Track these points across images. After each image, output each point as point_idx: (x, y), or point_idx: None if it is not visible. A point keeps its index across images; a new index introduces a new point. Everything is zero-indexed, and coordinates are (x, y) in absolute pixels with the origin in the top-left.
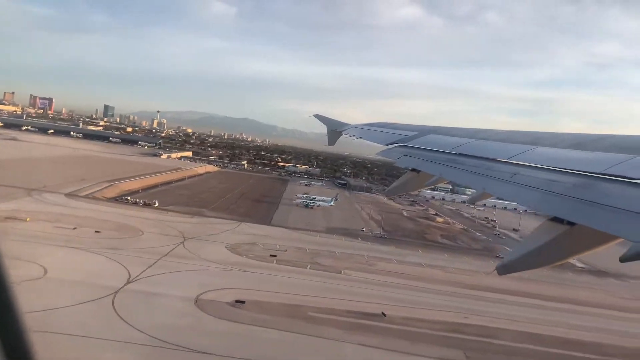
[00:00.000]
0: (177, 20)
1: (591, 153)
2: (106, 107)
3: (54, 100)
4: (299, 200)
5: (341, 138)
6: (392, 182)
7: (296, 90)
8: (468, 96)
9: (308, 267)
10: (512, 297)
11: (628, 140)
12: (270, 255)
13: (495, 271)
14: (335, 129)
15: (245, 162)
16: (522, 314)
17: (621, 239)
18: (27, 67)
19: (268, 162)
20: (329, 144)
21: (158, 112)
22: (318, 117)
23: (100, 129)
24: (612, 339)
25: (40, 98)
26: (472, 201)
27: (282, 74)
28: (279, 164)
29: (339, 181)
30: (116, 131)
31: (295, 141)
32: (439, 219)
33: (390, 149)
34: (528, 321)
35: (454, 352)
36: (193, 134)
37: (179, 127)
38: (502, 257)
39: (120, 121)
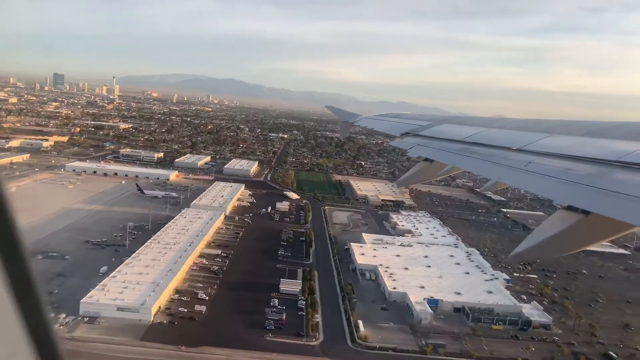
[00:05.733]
0: None
1: (607, 141)
2: (56, 75)
3: None
4: None
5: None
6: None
7: (285, 48)
8: (461, 48)
9: None
10: None
11: None
12: None
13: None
14: (347, 120)
15: None
16: None
17: (637, 228)
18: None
19: None
20: (342, 136)
21: (114, 77)
22: (330, 108)
23: None
24: None
25: None
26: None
27: (269, 32)
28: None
29: None
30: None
31: (282, 101)
32: None
33: (403, 139)
34: None
35: None
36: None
37: (143, 92)
38: None
39: (69, 89)
